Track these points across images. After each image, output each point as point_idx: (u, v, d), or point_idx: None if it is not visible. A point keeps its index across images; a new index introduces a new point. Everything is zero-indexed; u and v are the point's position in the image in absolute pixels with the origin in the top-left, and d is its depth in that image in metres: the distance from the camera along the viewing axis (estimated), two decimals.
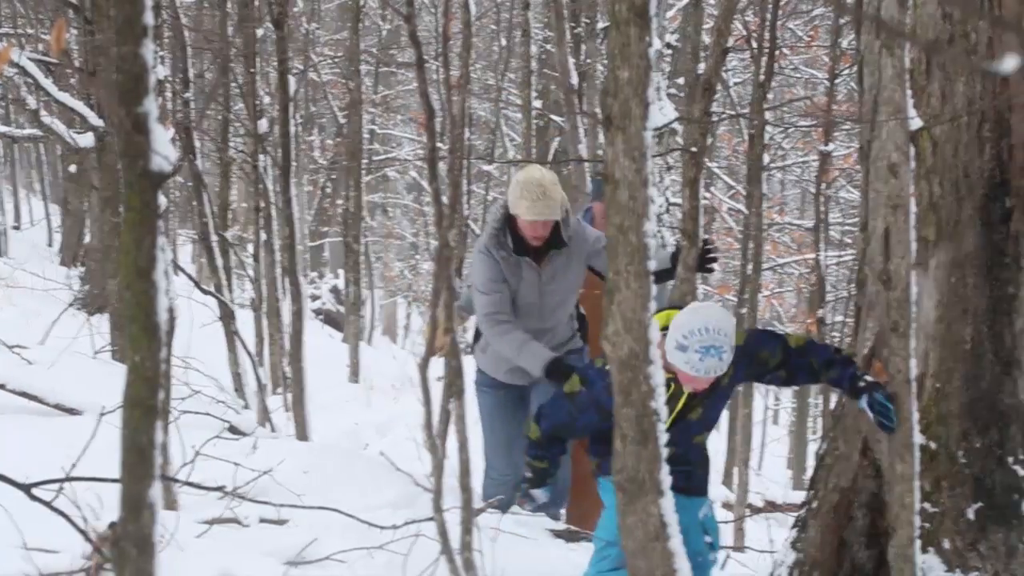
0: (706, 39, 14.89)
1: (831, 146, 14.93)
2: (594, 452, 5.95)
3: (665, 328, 5.50)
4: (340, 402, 16.32)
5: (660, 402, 3.70)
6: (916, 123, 5.45)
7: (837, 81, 15.06)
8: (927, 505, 5.74)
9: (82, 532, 4.73)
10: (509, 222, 7.41)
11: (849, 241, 22.78)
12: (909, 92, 5.30)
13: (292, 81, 11.68)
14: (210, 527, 6.17)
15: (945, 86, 5.69)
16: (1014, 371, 5.65)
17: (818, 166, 15.02)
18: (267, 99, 16.82)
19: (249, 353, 12.47)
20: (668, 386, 5.56)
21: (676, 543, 3.74)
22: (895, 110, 5.08)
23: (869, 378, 5.35)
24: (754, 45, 12.46)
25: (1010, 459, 5.23)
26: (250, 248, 17.91)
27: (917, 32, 5.69)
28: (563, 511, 8.17)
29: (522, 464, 7.22)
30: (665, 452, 4.02)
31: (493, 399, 7.87)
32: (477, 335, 7.83)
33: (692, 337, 5.31)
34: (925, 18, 5.71)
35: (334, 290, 29.53)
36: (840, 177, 21.02)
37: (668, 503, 3.73)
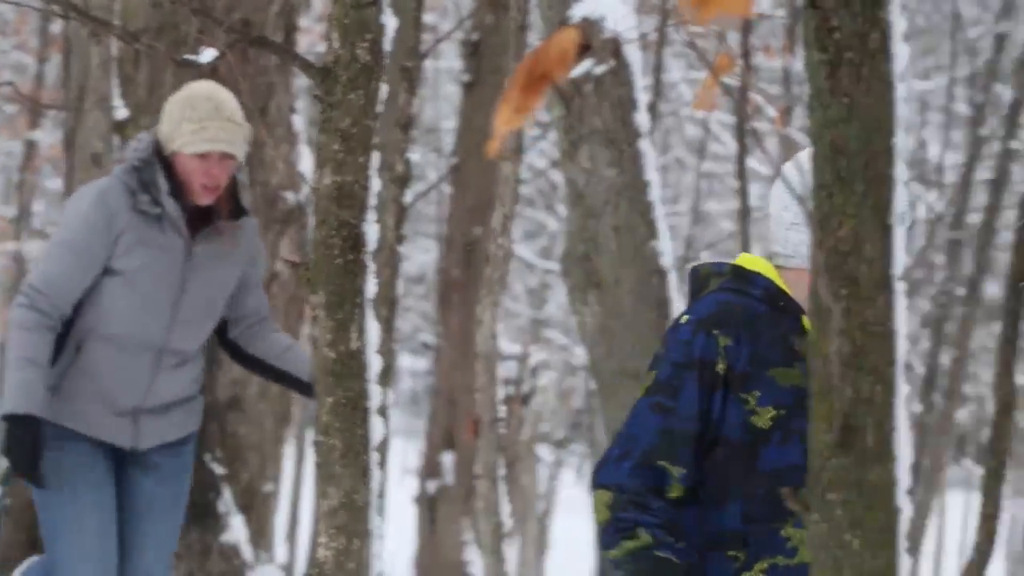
0: None
1: (37, 133, 14.65)
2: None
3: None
4: None
5: None
6: (123, 113, 5.40)
7: (46, 67, 14.78)
8: None
9: None
10: (163, 163, 4.46)
11: (48, 231, 22.48)
12: (116, 81, 5.25)
13: None
14: None
15: (153, 76, 5.65)
16: (213, 367, 5.66)
17: (24, 154, 14.70)
18: None
19: None
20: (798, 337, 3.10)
21: None
22: (101, 99, 5.03)
23: None
24: None
25: (207, 456, 5.23)
26: None
27: (127, 20, 5.61)
28: None
29: None
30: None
31: (75, 462, 4.50)
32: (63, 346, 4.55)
33: None
34: (135, 6, 5.65)
35: None
36: (47, 165, 20.69)
37: None
